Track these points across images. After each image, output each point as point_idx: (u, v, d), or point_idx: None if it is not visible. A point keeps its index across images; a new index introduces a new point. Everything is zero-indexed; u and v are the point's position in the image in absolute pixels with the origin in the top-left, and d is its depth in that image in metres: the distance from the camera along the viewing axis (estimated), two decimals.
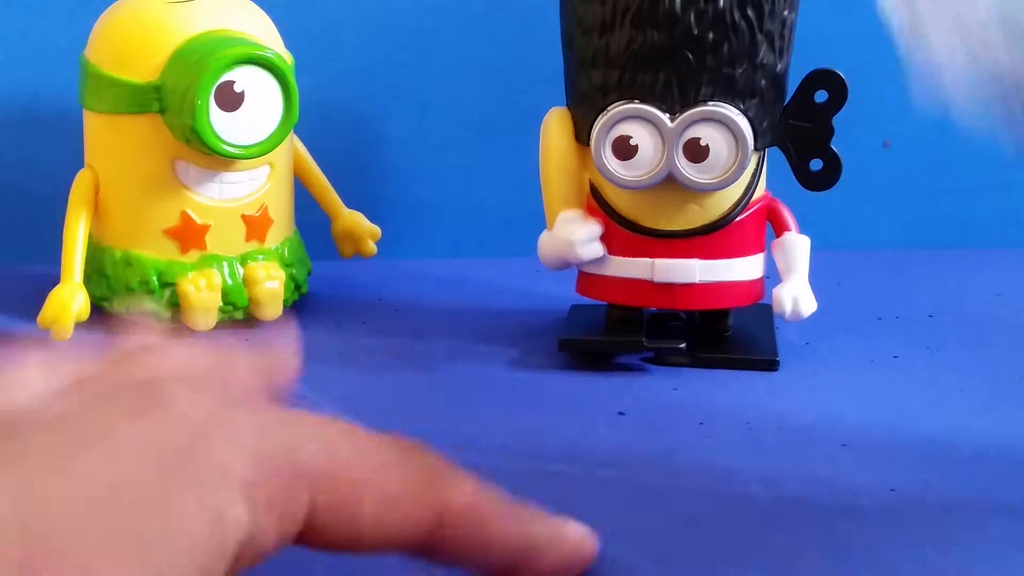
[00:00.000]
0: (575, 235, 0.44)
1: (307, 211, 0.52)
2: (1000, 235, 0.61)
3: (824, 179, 0.45)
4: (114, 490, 0.22)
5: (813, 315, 0.45)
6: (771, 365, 0.45)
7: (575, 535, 0.28)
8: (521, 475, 0.36)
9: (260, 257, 0.48)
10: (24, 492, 0.21)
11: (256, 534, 0.23)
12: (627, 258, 0.45)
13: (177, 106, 0.44)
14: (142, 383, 0.25)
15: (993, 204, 0.61)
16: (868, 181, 0.59)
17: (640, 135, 0.43)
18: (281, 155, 0.48)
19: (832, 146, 0.44)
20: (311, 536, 0.24)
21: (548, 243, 0.45)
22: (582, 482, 0.36)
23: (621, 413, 0.41)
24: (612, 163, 0.43)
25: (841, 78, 0.44)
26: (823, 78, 0.44)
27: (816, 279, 0.45)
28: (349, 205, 0.54)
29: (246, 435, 0.24)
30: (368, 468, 0.25)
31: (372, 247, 0.54)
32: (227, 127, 0.45)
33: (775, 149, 0.45)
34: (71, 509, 0.21)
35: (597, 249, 0.45)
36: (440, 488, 0.26)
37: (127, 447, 0.23)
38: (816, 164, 0.45)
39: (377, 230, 0.54)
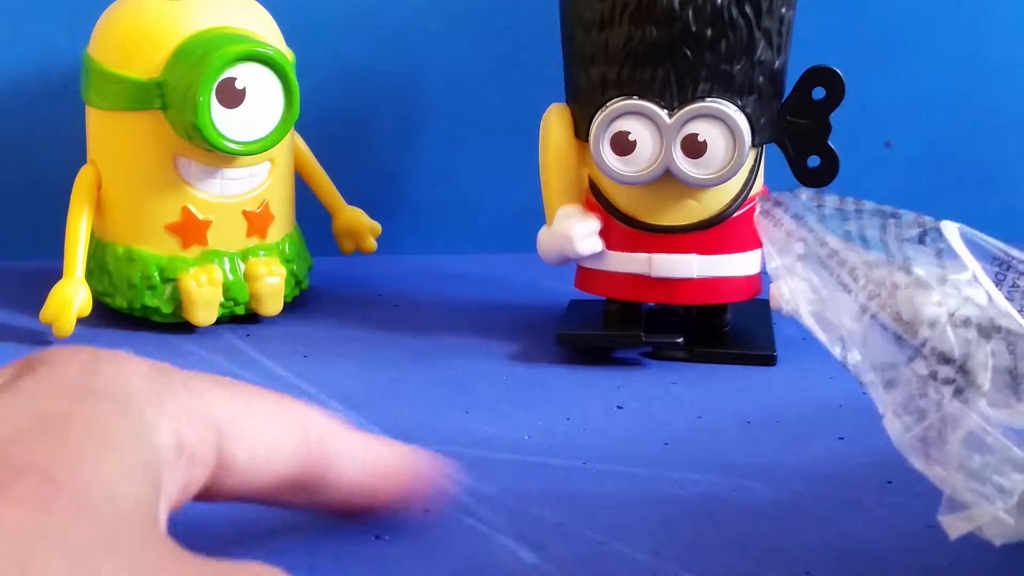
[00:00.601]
0: (574, 230, 0.45)
1: (308, 207, 0.53)
2: (999, 231, 0.61)
3: (821, 176, 0.45)
4: (58, 413, 0.23)
5: None
6: (769, 360, 0.45)
7: (423, 460, 0.32)
8: (519, 468, 0.36)
9: (261, 253, 0.48)
10: None
11: (181, 441, 0.25)
12: (625, 253, 0.45)
13: (179, 102, 0.45)
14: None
15: (993, 199, 0.61)
16: (865, 177, 0.60)
17: (638, 131, 0.43)
18: (282, 151, 0.49)
19: (829, 143, 0.45)
20: (215, 485, 0.27)
21: (547, 238, 0.46)
22: (581, 476, 0.36)
23: (620, 407, 0.41)
24: (610, 159, 0.44)
25: (839, 75, 0.44)
26: (821, 75, 0.44)
27: None
28: (349, 201, 0.54)
29: (138, 367, 0.26)
30: (256, 415, 0.28)
31: (372, 243, 0.54)
32: (228, 123, 0.45)
33: (773, 145, 0.45)
34: (18, 426, 0.22)
35: (596, 244, 0.45)
36: (305, 424, 0.29)
37: (65, 386, 0.24)
38: (814, 161, 0.45)
39: (377, 226, 0.54)
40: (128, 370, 0.26)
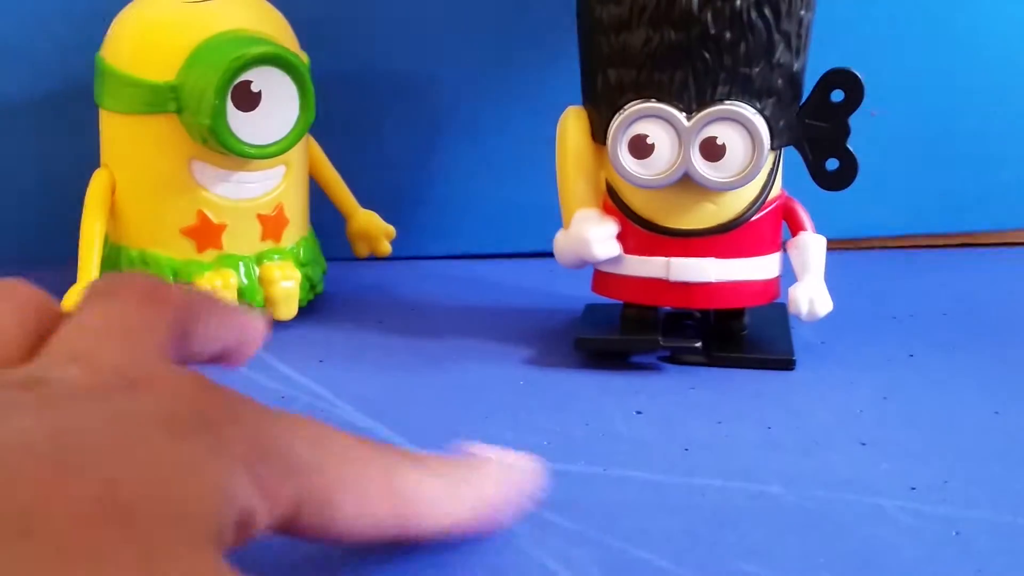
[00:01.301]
0: (591, 234, 0.44)
1: (322, 211, 0.53)
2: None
3: (840, 179, 0.45)
4: (133, 428, 0.22)
5: (828, 314, 0.45)
6: (787, 364, 0.45)
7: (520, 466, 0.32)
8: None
9: (276, 257, 0.48)
10: (59, 423, 0.22)
11: (249, 512, 0.24)
12: (643, 257, 0.45)
13: (194, 106, 0.44)
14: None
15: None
16: (884, 180, 0.59)
17: (657, 134, 0.43)
18: (297, 155, 0.48)
19: (848, 146, 0.44)
20: (288, 527, 0.25)
21: (564, 242, 0.46)
22: (601, 482, 0.36)
23: (638, 412, 0.41)
24: (628, 162, 0.43)
25: (858, 77, 0.44)
26: (840, 78, 0.44)
27: (829, 278, 0.45)
28: (364, 204, 0.54)
29: (247, 415, 0.25)
30: (347, 464, 0.27)
31: (387, 247, 0.54)
32: (244, 127, 0.45)
33: (791, 148, 0.45)
34: (102, 440, 0.22)
35: (613, 248, 0.45)
36: (402, 491, 0.28)
37: (141, 405, 0.24)
38: (832, 164, 0.45)
39: (392, 229, 0.54)
40: (240, 415, 0.25)
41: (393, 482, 0.28)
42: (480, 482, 0.31)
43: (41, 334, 0.27)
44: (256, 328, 0.32)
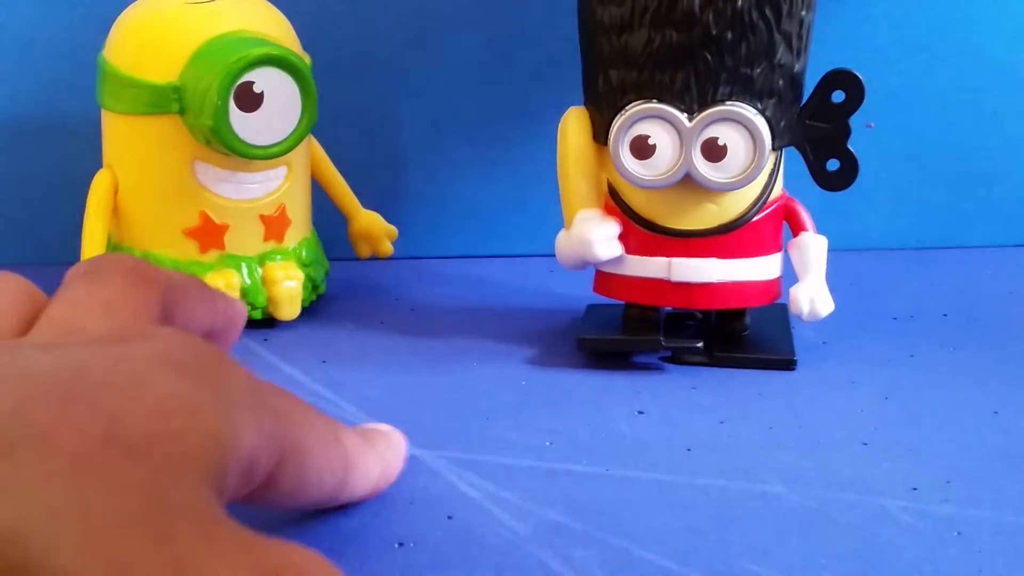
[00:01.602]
0: (593, 234, 0.45)
1: (324, 211, 0.53)
2: (1017, 231, 0.61)
3: (841, 179, 0.45)
4: (137, 367, 0.23)
5: (829, 314, 0.45)
6: (789, 364, 0.45)
7: (399, 441, 0.34)
8: (542, 475, 0.36)
9: (278, 257, 0.48)
10: (66, 362, 0.23)
11: (255, 460, 0.25)
12: (644, 257, 0.45)
13: (196, 107, 0.45)
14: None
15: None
16: (883, 181, 0.59)
17: (658, 135, 0.43)
18: (299, 155, 0.49)
19: (849, 146, 0.44)
20: (269, 482, 0.26)
21: (565, 242, 0.46)
22: (604, 482, 0.36)
23: (640, 412, 0.41)
24: (630, 162, 0.43)
25: (858, 78, 0.44)
26: (840, 78, 0.44)
27: (831, 279, 0.45)
28: (366, 205, 0.54)
29: (239, 370, 0.26)
30: (310, 420, 0.28)
31: (389, 247, 0.54)
32: (246, 128, 0.45)
33: (792, 149, 0.45)
34: (107, 377, 0.22)
35: (615, 248, 0.45)
36: (348, 451, 0.30)
37: (142, 350, 0.24)
38: (833, 164, 0.45)
39: (394, 230, 0.54)
40: (234, 369, 0.26)
41: (342, 441, 0.30)
42: (383, 450, 0.33)
43: (31, 320, 0.27)
44: (238, 312, 0.32)
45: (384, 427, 0.35)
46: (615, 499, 0.35)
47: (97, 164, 0.49)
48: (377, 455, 0.33)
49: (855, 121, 0.44)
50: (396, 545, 0.32)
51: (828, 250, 0.45)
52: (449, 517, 0.33)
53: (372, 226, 0.53)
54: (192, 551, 0.19)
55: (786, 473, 0.36)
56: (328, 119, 0.51)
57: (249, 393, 0.25)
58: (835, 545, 0.32)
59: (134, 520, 0.20)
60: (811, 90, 0.44)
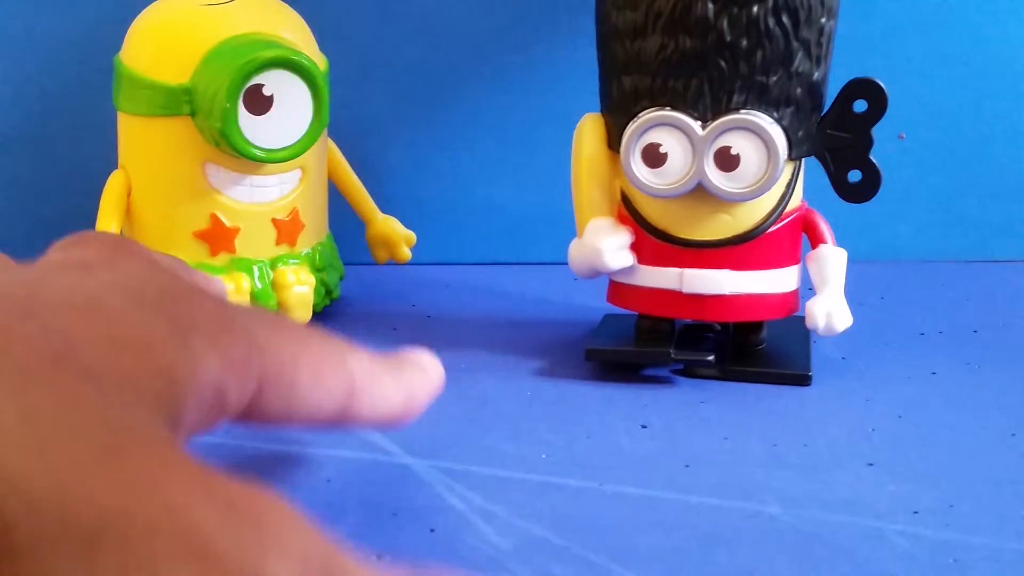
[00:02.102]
0: (604, 244, 0.44)
1: (342, 214, 0.52)
2: (1008, 237, 0.59)
3: (862, 191, 0.44)
4: (94, 293, 0.23)
5: (852, 329, 0.43)
6: (803, 380, 0.43)
7: (434, 369, 0.34)
8: (532, 488, 0.35)
9: (291, 261, 0.48)
10: (25, 281, 0.23)
11: (221, 390, 0.24)
12: (656, 268, 0.44)
13: (206, 109, 0.44)
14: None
15: (1005, 205, 0.59)
16: (915, 193, 0.58)
17: (670, 143, 0.42)
18: (314, 159, 0.48)
19: (871, 157, 0.43)
20: (253, 409, 0.26)
21: (577, 251, 0.45)
22: (594, 497, 0.35)
23: (644, 426, 0.40)
24: (641, 171, 0.43)
25: (881, 87, 0.43)
26: (863, 87, 0.43)
27: (859, 292, 0.44)
28: (384, 210, 0.53)
29: (207, 301, 0.26)
30: (301, 344, 0.28)
31: (407, 253, 0.53)
32: (256, 130, 0.45)
33: (813, 159, 0.44)
34: (64, 297, 0.23)
35: (627, 258, 0.44)
36: (354, 370, 0.29)
37: (102, 277, 0.24)
38: (854, 175, 0.44)
39: (412, 235, 0.53)
40: (201, 299, 0.26)
41: (346, 361, 0.29)
42: (410, 376, 0.32)
43: None
44: (219, 290, 0.32)
45: (418, 354, 0.33)
46: (604, 515, 0.34)
47: (113, 166, 0.49)
48: (400, 381, 0.31)
49: (882, 132, 0.43)
50: (374, 557, 0.31)
51: (859, 262, 0.44)
52: (432, 530, 0.33)
53: (390, 231, 0.53)
54: (143, 467, 0.19)
55: (784, 493, 0.35)
56: (348, 122, 0.51)
57: (214, 322, 0.25)
58: (824, 568, 0.31)
59: (83, 432, 0.19)
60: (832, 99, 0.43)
